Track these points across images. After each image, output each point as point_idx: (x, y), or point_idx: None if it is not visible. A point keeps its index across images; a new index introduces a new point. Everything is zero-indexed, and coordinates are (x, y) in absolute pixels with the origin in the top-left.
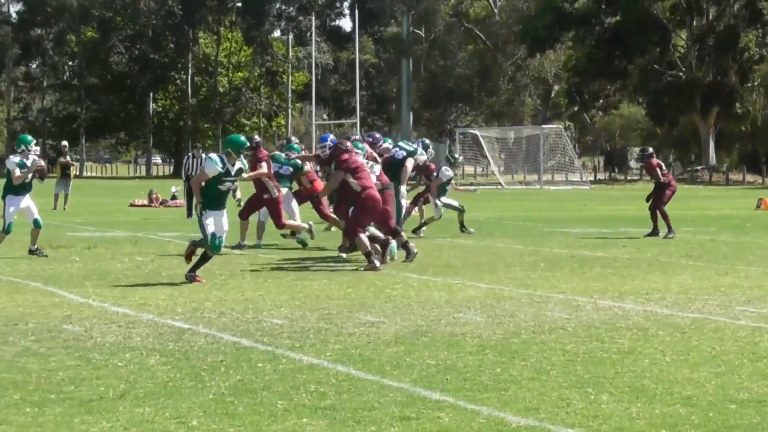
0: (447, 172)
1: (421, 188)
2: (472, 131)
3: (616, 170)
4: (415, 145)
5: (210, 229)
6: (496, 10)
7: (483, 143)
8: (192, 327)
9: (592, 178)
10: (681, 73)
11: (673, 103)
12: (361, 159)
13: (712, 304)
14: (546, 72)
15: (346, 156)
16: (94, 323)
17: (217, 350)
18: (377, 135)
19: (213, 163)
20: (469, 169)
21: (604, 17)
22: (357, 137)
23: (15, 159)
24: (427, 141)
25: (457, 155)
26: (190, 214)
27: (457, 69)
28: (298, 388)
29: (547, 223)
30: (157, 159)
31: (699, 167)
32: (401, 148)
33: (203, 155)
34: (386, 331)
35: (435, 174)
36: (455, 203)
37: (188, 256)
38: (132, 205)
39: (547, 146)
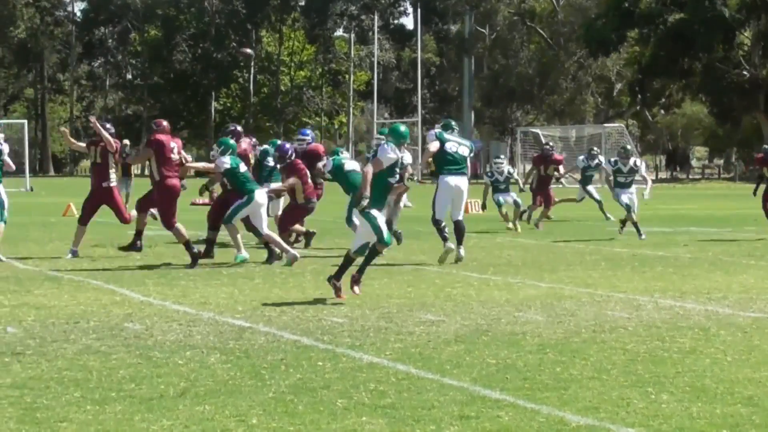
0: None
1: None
2: (533, 130)
3: (678, 169)
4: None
5: (381, 221)
6: (558, 8)
7: (543, 141)
8: (252, 325)
9: (653, 177)
10: (745, 72)
11: (736, 102)
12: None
13: None
14: (608, 70)
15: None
16: (155, 321)
17: (277, 349)
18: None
19: (388, 151)
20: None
21: (668, 15)
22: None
23: None
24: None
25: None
26: None
27: (518, 67)
28: (358, 387)
29: (609, 222)
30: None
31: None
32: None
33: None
34: (446, 329)
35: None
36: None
37: (340, 295)
38: (193, 203)
39: (609, 145)
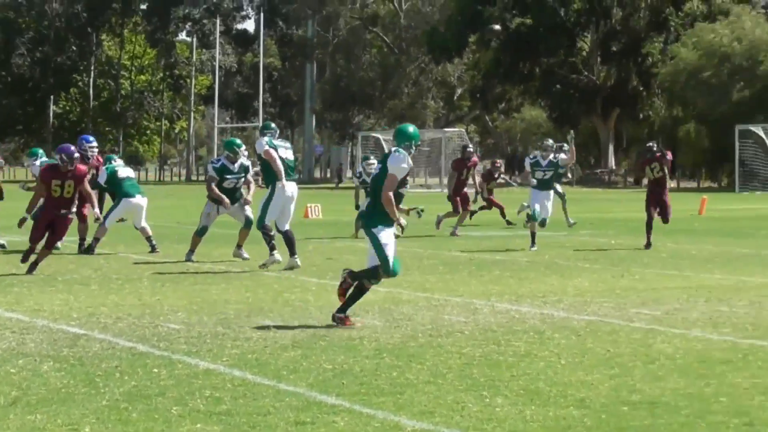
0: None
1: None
2: (374, 134)
3: (517, 173)
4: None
5: (390, 250)
6: (401, 14)
7: (385, 146)
8: (87, 332)
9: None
10: (583, 77)
11: (575, 107)
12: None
13: (607, 307)
14: (449, 75)
15: None
16: None
17: (113, 356)
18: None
19: (401, 160)
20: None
21: (512, 20)
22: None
23: None
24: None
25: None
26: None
27: (360, 72)
28: (194, 394)
29: (447, 226)
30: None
31: (598, 170)
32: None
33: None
34: (283, 335)
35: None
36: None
37: (343, 293)
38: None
39: (450, 149)
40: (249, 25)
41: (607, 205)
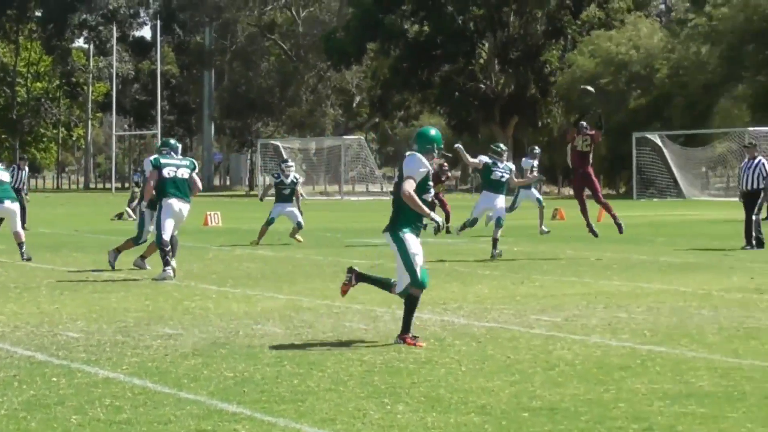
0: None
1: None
2: (273, 142)
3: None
4: None
5: (419, 260)
6: (299, 21)
7: (284, 153)
8: None
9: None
10: (482, 85)
11: (474, 114)
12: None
13: (507, 314)
14: (347, 83)
15: None
16: None
17: (11, 365)
18: None
19: (418, 163)
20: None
21: (411, 28)
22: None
23: None
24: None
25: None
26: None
27: (259, 79)
28: (93, 403)
29: (348, 234)
30: None
31: None
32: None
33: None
34: (184, 343)
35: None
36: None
37: (345, 291)
38: None
39: (349, 157)
40: (146, 32)
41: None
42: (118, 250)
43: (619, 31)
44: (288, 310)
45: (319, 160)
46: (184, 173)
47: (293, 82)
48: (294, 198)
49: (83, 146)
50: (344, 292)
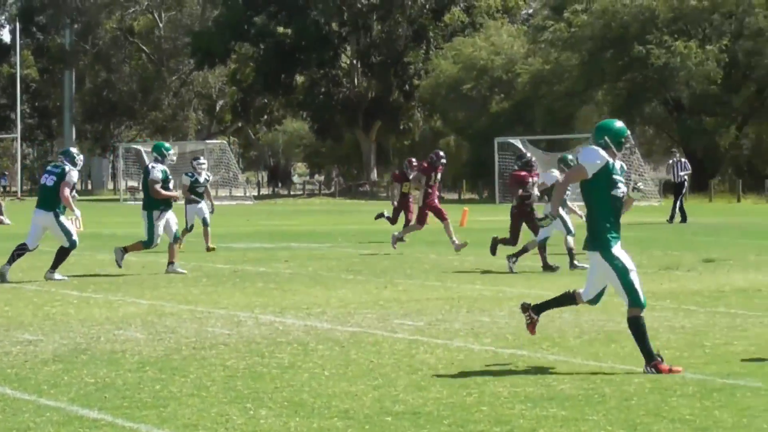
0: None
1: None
2: (135, 146)
3: (280, 185)
4: None
5: (636, 276)
6: (161, 25)
7: (146, 158)
8: None
9: (255, 193)
10: (345, 89)
11: (337, 119)
12: None
13: (371, 318)
14: (210, 87)
15: None
16: None
17: None
18: None
19: (595, 153)
20: (132, 183)
21: (275, 31)
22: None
23: None
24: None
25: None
26: None
27: (121, 83)
28: None
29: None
30: None
31: (361, 182)
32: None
33: None
34: (44, 349)
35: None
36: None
37: (533, 328)
38: None
39: (212, 161)
40: (5, 35)
41: (370, 217)
42: (125, 249)
43: (481, 37)
44: (150, 315)
45: (182, 164)
46: (46, 181)
47: (155, 85)
48: (205, 196)
49: None
50: (533, 332)
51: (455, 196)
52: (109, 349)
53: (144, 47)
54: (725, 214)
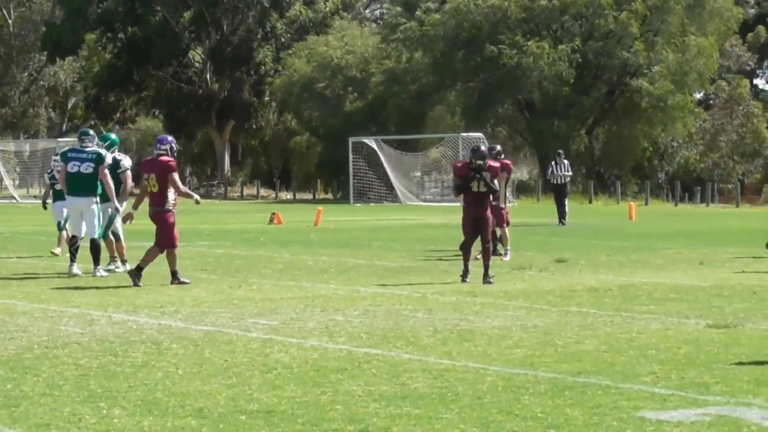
0: None
1: None
2: None
3: (133, 185)
4: None
5: None
6: (10, 21)
7: None
8: None
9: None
10: (196, 87)
11: (190, 117)
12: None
13: (225, 317)
14: (62, 83)
15: None
16: None
17: None
18: None
19: None
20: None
21: (126, 26)
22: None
23: None
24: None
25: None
26: None
27: None
28: None
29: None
30: None
31: (215, 182)
32: None
33: None
34: None
35: None
36: None
37: None
38: None
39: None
40: None
41: (223, 216)
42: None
43: (335, 36)
44: (1, 314)
45: (33, 162)
46: (84, 168)
47: (4, 81)
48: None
49: None
50: None
51: (309, 196)
52: None
53: None
54: (577, 215)
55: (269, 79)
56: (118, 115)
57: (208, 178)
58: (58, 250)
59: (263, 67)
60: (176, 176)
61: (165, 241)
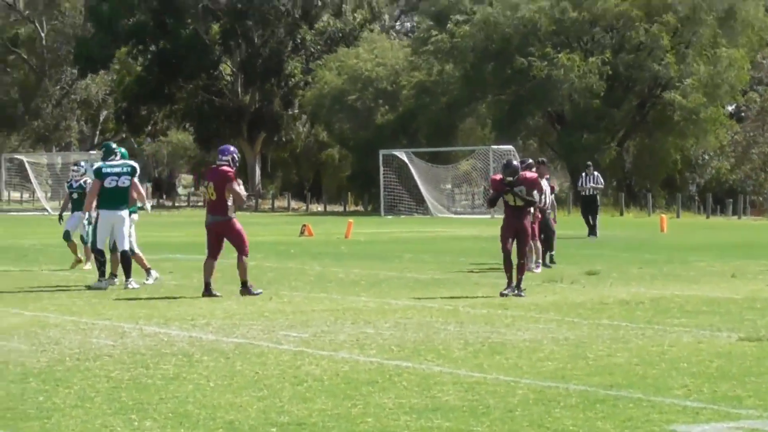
0: None
1: None
2: (18, 156)
3: (165, 197)
4: None
5: None
6: (43, 34)
7: (29, 169)
8: None
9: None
10: (227, 100)
11: (220, 129)
12: None
13: (256, 329)
14: (93, 96)
15: None
16: None
17: None
18: None
19: None
20: (15, 194)
21: (156, 39)
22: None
23: None
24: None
25: None
26: None
27: (1, 93)
28: None
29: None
30: None
31: (247, 194)
32: None
33: None
34: None
35: None
36: None
37: None
38: None
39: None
40: None
41: (255, 229)
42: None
43: (365, 48)
44: (33, 326)
45: (65, 175)
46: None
47: (36, 95)
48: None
49: None
50: None
51: (340, 209)
52: None
53: (25, 56)
54: (608, 227)
55: (299, 91)
56: (149, 128)
57: None
58: (88, 266)
59: (293, 79)
60: (235, 185)
61: (245, 246)
